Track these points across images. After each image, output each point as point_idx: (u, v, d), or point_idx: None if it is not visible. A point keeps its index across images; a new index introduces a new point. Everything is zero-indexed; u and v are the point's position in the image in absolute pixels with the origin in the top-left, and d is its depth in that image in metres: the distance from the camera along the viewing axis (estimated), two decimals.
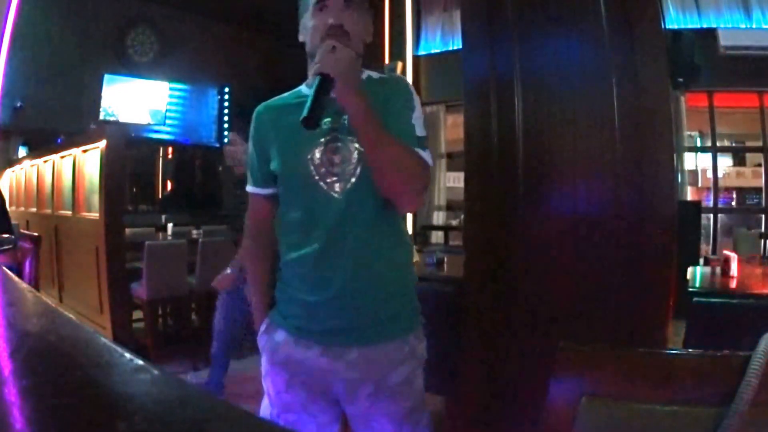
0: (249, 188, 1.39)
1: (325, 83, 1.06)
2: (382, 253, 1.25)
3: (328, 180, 1.21)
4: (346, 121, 1.19)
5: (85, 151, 4.73)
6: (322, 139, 1.22)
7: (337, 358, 1.23)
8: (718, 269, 2.83)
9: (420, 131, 1.24)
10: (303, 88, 1.33)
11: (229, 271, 3.20)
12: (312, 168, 1.22)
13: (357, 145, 1.20)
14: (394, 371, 1.24)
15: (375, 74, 1.32)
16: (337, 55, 1.08)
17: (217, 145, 9.07)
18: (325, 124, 1.20)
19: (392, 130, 1.15)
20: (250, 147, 1.37)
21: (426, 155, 1.21)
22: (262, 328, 1.35)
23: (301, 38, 1.30)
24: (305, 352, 1.25)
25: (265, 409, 1.34)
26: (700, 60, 5.53)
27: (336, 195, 1.21)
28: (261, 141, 1.33)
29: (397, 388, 1.24)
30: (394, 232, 1.29)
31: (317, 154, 1.22)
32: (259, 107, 1.36)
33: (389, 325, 1.26)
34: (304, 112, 1.04)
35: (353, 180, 1.21)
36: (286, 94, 1.36)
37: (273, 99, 1.37)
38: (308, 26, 1.24)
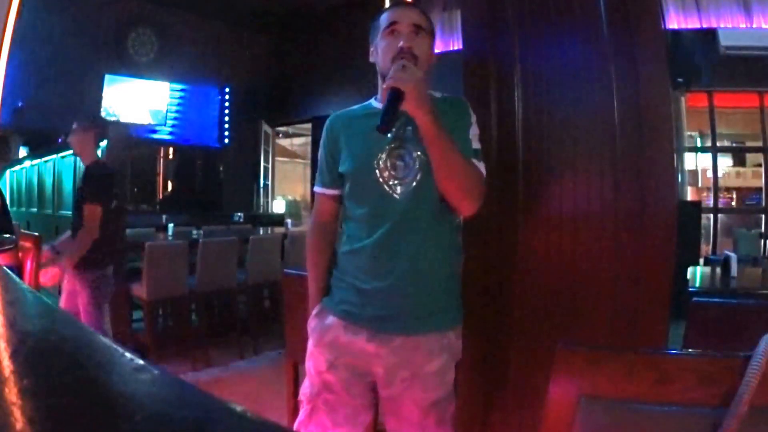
0: (317, 188, 1.53)
1: (396, 96, 1.20)
2: (434, 252, 1.37)
3: (391, 182, 1.36)
4: (410, 132, 1.35)
5: None
6: (387, 147, 1.36)
7: (382, 344, 1.35)
8: (718, 269, 2.83)
9: (476, 145, 1.41)
10: (372, 102, 1.48)
11: (54, 262, 3.01)
12: (377, 171, 1.36)
13: (419, 153, 1.34)
14: (431, 361, 1.35)
15: (437, 94, 1.46)
16: (407, 72, 1.23)
17: (218, 145, 9.07)
18: (391, 133, 1.34)
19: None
20: (320, 151, 1.51)
21: (481, 166, 1.37)
22: (314, 312, 1.47)
23: (371, 59, 1.46)
24: (353, 336, 1.37)
25: (305, 389, 1.46)
26: (700, 60, 5.53)
27: (397, 197, 1.35)
28: (332, 145, 1.47)
29: (430, 377, 1.35)
30: (446, 235, 1.42)
31: (382, 159, 1.36)
32: (332, 116, 1.51)
33: (433, 319, 1.38)
34: (380, 121, 1.19)
35: (413, 184, 1.35)
36: (356, 107, 1.52)
37: (344, 110, 1.53)
38: (379, 48, 1.40)
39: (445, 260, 1.42)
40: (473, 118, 1.46)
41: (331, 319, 1.42)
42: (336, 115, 1.52)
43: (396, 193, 1.36)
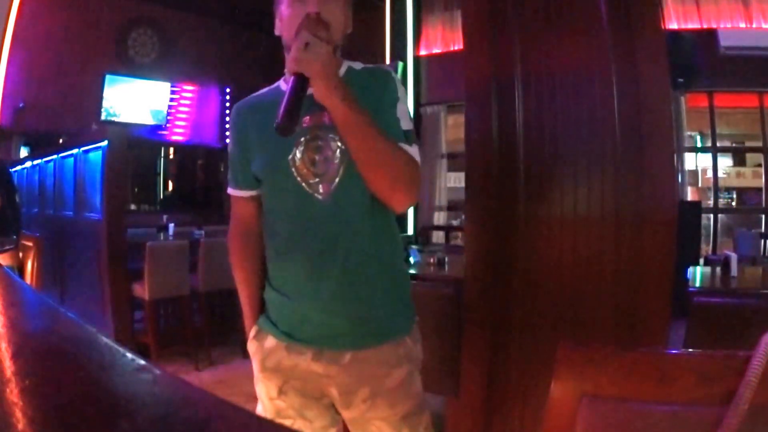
0: (230, 190, 1.32)
1: (300, 82, 1.00)
2: (373, 255, 1.20)
3: (311, 181, 1.16)
4: (327, 119, 1.13)
5: (86, 151, 4.73)
6: (302, 138, 1.16)
7: (330, 362, 1.19)
8: (718, 269, 2.83)
9: (406, 125, 1.17)
10: (281, 84, 1.27)
11: None
12: (293, 169, 1.16)
13: (339, 143, 1.14)
14: (390, 374, 1.20)
15: (357, 65, 1.24)
16: (312, 51, 1.01)
17: (218, 145, 9.07)
18: (303, 122, 1.14)
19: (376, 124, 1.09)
20: (230, 147, 1.31)
21: (413, 150, 1.15)
22: (252, 334, 1.31)
23: (277, 32, 1.22)
24: (297, 357, 1.21)
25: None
26: (700, 60, 5.53)
27: (320, 197, 1.16)
28: (241, 141, 1.27)
29: (394, 391, 1.20)
30: (384, 231, 1.23)
31: (298, 154, 1.16)
32: (238, 105, 1.31)
33: (383, 328, 1.22)
34: (278, 118, 0.97)
35: (337, 180, 1.15)
36: (264, 90, 1.31)
37: (252, 96, 1.32)
38: (284, 17, 1.16)
39: (385, 260, 1.23)
40: (400, 91, 1.20)
41: (270, 341, 1.25)
42: (242, 103, 1.30)
43: (318, 193, 1.16)
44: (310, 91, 1.03)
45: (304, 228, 1.19)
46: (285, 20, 1.16)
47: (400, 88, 1.21)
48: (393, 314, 1.24)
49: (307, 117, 1.16)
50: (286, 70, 1.19)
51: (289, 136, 1.01)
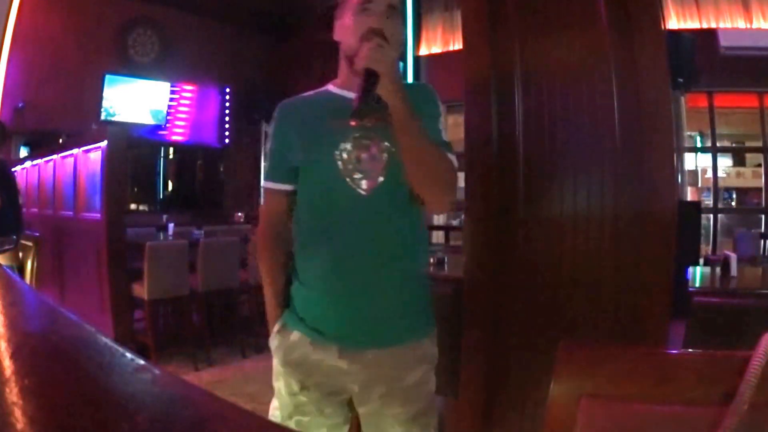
0: (265, 183, 1.36)
1: (371, 78, 1.08)
2: (403, 255, 1.25)
3: (355, 176, 1.20)
4: (376, 121, 1.20)
5: (86, 151, 4.73)
6: (351, 136, 1.21)
7: (354, 359, 1.23)
8: (718, 269, 2.83)
9: (446, 136, 1.27)
10: (330, 87, 1.33)
11: None
12: (339, 163, 1.21)
13: (387, 144, 1.20)
14: (408, 374, 1.25)
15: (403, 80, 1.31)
16: (383, 52, 1.10)
17: (218, 145, 9.07)
18: (352, 122, 1.21)
19: None
20: (270, 142, 1.34)
21: (454, 159, 1.23)
22: (276, 328, 1.33)
23: (336, 37, 1.29)
24: (322, 353, 1.24)
25: (275, 411, 1.33)
26: (700, 60, 5.53)
27: (363, 192, 1.20)
28: (285, 135, 1.30)
29: (409, 390, 1.25)
30: (415, 234, 1.28)
31: (347, 151, 1.21)
32: (282, 103, 1.35)
33: (406, 328, 1.27)
34: (354, 106, 1.07)
35: (381, 179, 1.20)
36: (309, 93, 1.36)
37: (297, 96, 1.37)
38: (347, 26, 1.24)
39: (413, 262, 1.28)
40: (441, 108, 1.32)
41: (295, 335, 1.27)
42: (288, 101, 1.35)
43: (361, 189, 1.20)
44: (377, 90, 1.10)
45: (339, 223, 1.23)
46: (349, 28, 1.23)
47: (441, 105, 1.32)
48: (417, 315, 1.29)
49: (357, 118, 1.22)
50: (340, 72, 1.30)
51: (362, 120, 1.14)
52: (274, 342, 1.33)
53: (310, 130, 1.26)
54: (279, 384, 1.32)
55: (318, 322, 1.25)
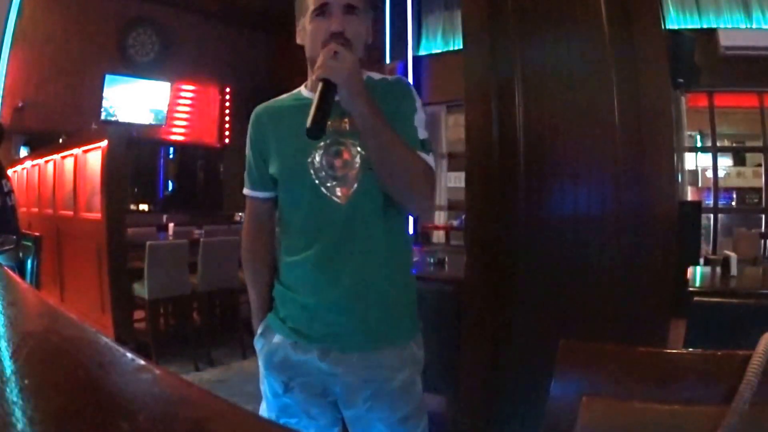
0: (246, 191, 1.35)
1: (328, 89, 1.04)
2: (385, 258, 1.23)
3: (329, 184, 1.19)
4: (347, 125, 1.18)
5: (86, 151, 4.73)
6: (323, 143, 1.19)
7: (337, 362, 1.21)
8: (717, 269, 2.83)
9: (422, 134, 1.21)
10: (303, 90, 1.31)
11: None
12: (312, 172, 1.19)
13: (359, 149, 1.18)
14: (394, 377, 1.23)
15: (375, 75, 1.28)
16: (339, 59, 1.05)
17: (218, 145, 9.08)
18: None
19: None
20: (248, 149, 1.33)
21: (429, 159, 1.19)
22: (259, 331, 1.33)
23: (299, 41, 1.26)
24: (304, 355, 1.23)
25: (263, 413, 1.32)
26: (700, 60, 5.53)
27: (338, 200, 1.19)
28: (259, 143, 1.29)
29: (395, 393, 1.23)
30: (396, 236, 1.26)
31: (317, 158, 1.19)
32: (258, 109, 1.33)
33: (390, 331, 1.24)
34: (308, 122, 1.00)
35: (356, 185, 1.19)
36: (284, 96, 1.34)
37: (272, 101, 1.34)
38: (307, 30, 1.20)
39: (397, 265, 1.26)
40: (418, 103, 1.25)
41: (278, 338, 1.27)
42: (262, 107, 1.32)
43: (335, 196, 1.19)
44: (335, 97, 1.06)
45: (319, 229, 1.21)
46: (309, 33, 1.20)
47: (417, 100, 1.25)
48: (400, 319, 1.27)
49: (329, 123, 1.15)
50: (309, 78, 1.25)
51: (319, 138, 1.05)
52: (258, 344, 1.33)
53: (282, 137, 1.25)
54: (264, 386, 1.32)
55: (299, 324, 1.24)
